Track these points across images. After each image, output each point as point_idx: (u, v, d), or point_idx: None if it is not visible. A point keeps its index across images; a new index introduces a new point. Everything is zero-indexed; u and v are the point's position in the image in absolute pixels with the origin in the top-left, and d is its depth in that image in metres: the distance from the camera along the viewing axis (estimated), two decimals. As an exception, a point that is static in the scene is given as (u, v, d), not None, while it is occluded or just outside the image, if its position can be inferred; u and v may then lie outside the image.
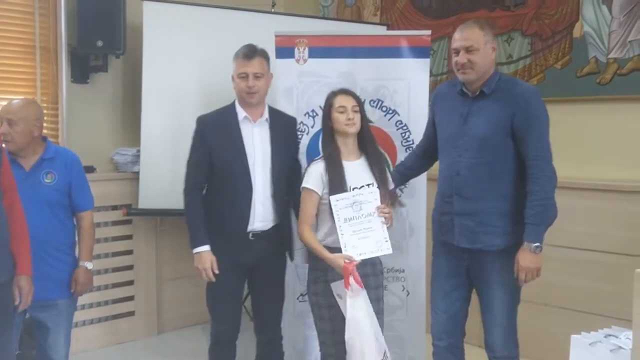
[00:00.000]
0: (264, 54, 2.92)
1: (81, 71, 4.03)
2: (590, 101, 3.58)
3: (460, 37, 2.66)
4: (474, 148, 2.64)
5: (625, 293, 3.08)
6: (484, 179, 2.63)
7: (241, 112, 2.92)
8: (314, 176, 2.76)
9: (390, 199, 2.80)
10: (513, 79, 2.97)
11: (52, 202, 2.76)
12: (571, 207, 3.43)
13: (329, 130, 2.81)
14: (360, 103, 2.81)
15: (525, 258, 2.54)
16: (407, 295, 3.42)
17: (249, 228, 2.87)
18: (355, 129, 2.77)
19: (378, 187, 2.76)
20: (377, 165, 2.81)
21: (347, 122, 2.74)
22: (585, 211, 3.46)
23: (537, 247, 2.53)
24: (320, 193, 2.74)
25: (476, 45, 2.61)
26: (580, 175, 3.52)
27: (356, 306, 2.61)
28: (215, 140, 2.88)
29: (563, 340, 2.98)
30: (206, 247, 2.82)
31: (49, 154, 2.79)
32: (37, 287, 2.51)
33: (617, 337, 2.36)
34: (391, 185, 2.87)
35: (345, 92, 2.81)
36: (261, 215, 2.88)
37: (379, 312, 2.77)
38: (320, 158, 2.83)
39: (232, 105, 2.95)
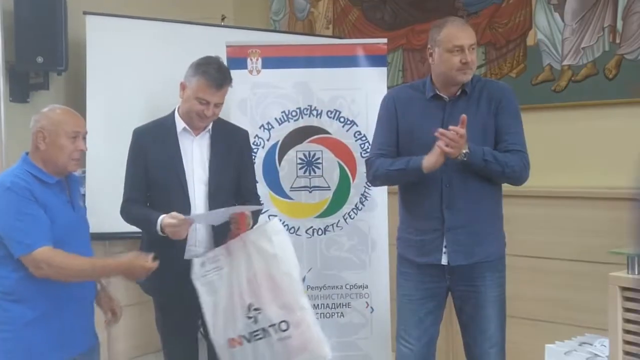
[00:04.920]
0: (230, 80, 2.64)
1: (20, 89, 3.79)
2: (546, 109, 3.56)
3: (464, 35, 2.47)
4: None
5: (589, 300, 3.06)
6: (477, 187, 2.51)
7: (180, 123, 2.65)
8: None
9: None
10: (484, 78, 2.92)
11: None
12: (528, 215, 3.39)
13: None
14: None
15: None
16: (372, 312, 3.30)
17: (190, 254, 2.57)
18: None
19: None
20: None
21: None
22: (542, 219, 3.42)
23: (466, 153, 2.36)
24: None
25: (475, 45, 2.52)
26: (537, 184, 3.48)
27: None
28: (152, 155, 2.63)
29: (531, 351, 2.93)
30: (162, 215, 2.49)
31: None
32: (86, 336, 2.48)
33: (591, 344, 2.32)
34: None
35: None
36: (202, 239, 2.61)
37: None
38: None
39: (172, 115, 2.69)
